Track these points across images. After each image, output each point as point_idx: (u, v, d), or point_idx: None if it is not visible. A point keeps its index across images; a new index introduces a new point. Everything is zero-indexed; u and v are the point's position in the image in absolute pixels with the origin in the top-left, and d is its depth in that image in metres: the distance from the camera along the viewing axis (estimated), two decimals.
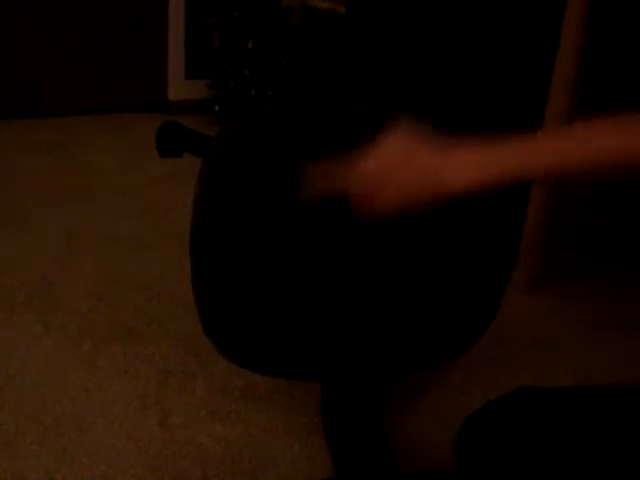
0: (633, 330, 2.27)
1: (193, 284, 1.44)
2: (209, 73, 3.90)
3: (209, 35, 4.00)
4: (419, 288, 1.29)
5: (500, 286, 1.42)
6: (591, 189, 2.49)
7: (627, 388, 0.99)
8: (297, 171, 1.24)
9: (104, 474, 1.57)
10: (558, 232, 2.48)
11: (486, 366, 2.03)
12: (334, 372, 1.42)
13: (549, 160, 0.88)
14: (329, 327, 1.30)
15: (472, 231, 1.29)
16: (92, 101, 3.96)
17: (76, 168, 3.25)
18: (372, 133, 1.29)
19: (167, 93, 4.07)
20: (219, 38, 3.82)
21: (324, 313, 1.28)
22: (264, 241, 1.26)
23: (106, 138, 3.66)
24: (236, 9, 3.69)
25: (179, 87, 4.08)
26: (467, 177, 0.91)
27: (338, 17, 3.67)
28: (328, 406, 1.72)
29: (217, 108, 3.81)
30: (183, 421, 1.74)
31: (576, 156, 0.86)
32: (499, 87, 2.49)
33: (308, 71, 3.92)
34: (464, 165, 0.91)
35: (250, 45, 3.65)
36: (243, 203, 1.27)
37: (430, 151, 0.95)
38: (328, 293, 1.27)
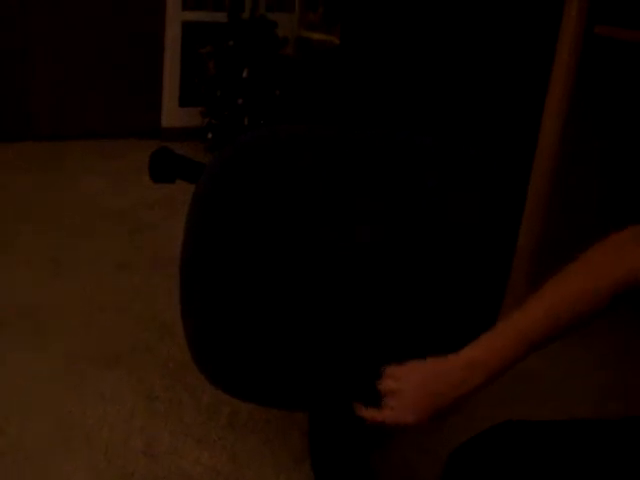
0: (624, 361, 2.28)
1: (182, 311, 1.44)
2: (203, 101, 3.93)
3: (204, 63, 4.03)
4: (409, 317, 1.29)
5: (491, 317, 1.42)
6: (587, 205, 2.50)
7: (611, 422, 1.00)
8: (289, 199, 1.25)
9: None
10: (556, 255, 2.48)
11: (475, 398, 2.02)
12: (321, 402, 1.42)
13: (544, 326, 1.01)
14: (316, 357, 1.30)
15: (462, 259, 1.30)
16: (86, 126, 3.97)
17: (68, 192, 3.25)
18: (367, 159, 1.31)
19: (161, 120, 4.09)
20: (214, 67, 3.85)
21: (312, 343, 1.29)
22: (253, 270, 1.26)
23: (99, 163, 3.67)
24: (231, 38, 3.73)
25: (173, 114, 4.10)
26: (479, 383, 1.04)
27: (332, 48, 3.71)
28: (315, 435, 1.71)
29: (210, 136, 3.83)
30: (168, 448, 1.72)
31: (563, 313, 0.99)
32: (491, 122, 2.52)
33: (301, 101, 3.95)
34: (475, 372, 1.04)
35: (245, 74, 3.68)
36: (234, 231, 1.28)
37: (442, 369, 1.06)
38: (316, 323, 1.27)
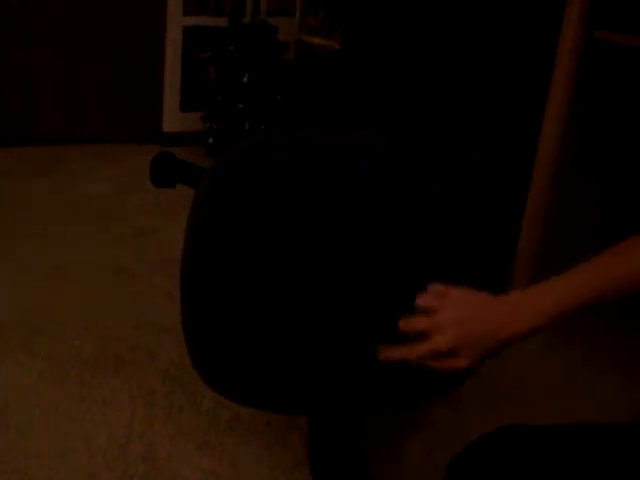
0: (626, 367, 2.27)
1: (182, 315, 1.44)
2: (204, 106, 3.93)
3: (205, 68, 4.04)
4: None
5: None
6: (588, 209, 2.50)
7: (612, 426, 0.99)
8: (289, 203, 1.25)
9: None
10: (555, 266, 2.48)
11: (476, 404, 2.02)
12: (321, 406, 1.41)
13: (601, 283, 1.00)
14: (317, 361, 1.30)
15: (462, 265, 1.30)
16: (87, 130, 3.97)
17: (68, 196, 3.25)
18: (368, 162, 1.31)
19: (162, 124, 4.09)
20: (215, 71, 3.85)
21: (312, 347, 1.28)
22: (254, 274, 1.26)
23: (100, 167, 3.67)
24: (232, 43, 3.73)
25: (174, 119, 4.10)
26: (531, 325, 1.00)
27: (333, 53, 3.72)
28: (315, 440, 1.71)
29: (211, 140, 3.83)
30: (168, 454, 1.72)
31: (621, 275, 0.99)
32: (492, 126, 2.52)
33: (302, 106, 3.96)
34: (527, 314, 1.01)
35: (246, 79, 3.69)
36: (235, 235, 1.28)
37: (493, 304, 1.05)
38: (317, 328, 1.27)
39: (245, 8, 4.04)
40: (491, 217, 1.34)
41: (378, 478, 1.70)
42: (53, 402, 1.86)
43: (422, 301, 1.08)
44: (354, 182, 1.28)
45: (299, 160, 1.31)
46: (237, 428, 1.83)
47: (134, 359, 2.07)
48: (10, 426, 1.75)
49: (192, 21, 3.95)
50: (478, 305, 1.05)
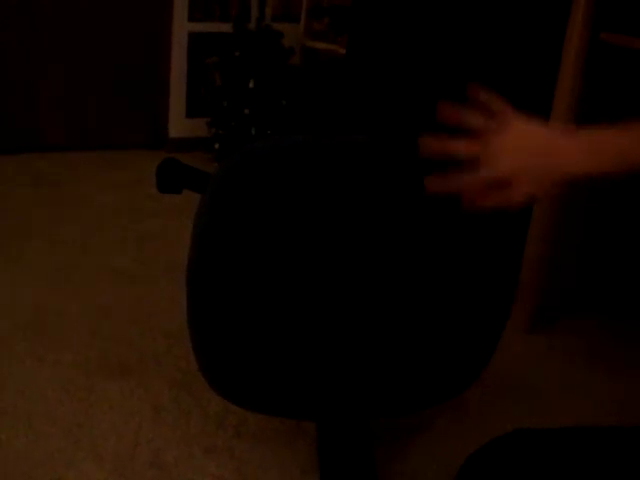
0: (632, 370, 2.26)
1: (189, 320, 1.44)
2: (210, 112, 3.94)
3: (210, 74, 4.05)
4: (416, 328, 1.29)
5: (498, 326, 1.42)
6: (591, 225, 2.50)
7: (623, 429, 0.99)
8: (295, 207, 1.25)
9: None
10: (558, 270, 2.48)
11: (482, 408, 2.01)
12: (329, 411, 1.41)
13: None
14: (324, 366, 1.30)
15: (469, 273, 1.30)
16: (93, 137, 3.99)
17: (74, 201, 3.26)
18: (371, 165, 1.31)
19: (168, 131, 4.10)
20: (220, 77, 3.86)
21: (319, 353, 1.28)
22: (260, 279, 1.26)
23: (106, 174, 3.68)
24: (237, 49, 3.74)
25: (180, 125, 4.11)
26: (584, 161, 0.93)
27: (338, 58, 3.72)
28: (323, 445, 1.71)
29: (217, 146, 3.84)
30: (176, 459, 1.72)
31: None
32: None
33: (308, 111, 3.96)
34: (581, 150, 0.94)
35: (251, 84, 3.69)
36: (241, 240, 1.28)
37: (550, 136, 0.96)
38: (324, 333, 1.26)
39: (250, 14, 4.05)
40: (498, 222, 1.34)
41: None
42: (60, 408, 1.86)
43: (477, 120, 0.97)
44: (358, 185, 1.28)
45: (303, 164, 1.31)
46: (244, 433, 1.82)
47: (141, 365, 2.07)
48: (19, 433, 1.75)
49: (197, 27, 3.96)
50: (541, 136, 0.96)
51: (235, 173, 1.34)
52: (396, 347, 1.29)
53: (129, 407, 1.89)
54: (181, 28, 3.93)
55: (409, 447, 1.82)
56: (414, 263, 1.26)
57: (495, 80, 2.49)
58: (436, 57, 2.68)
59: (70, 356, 2.09)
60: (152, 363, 2.09)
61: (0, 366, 2.01)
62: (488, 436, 1.03)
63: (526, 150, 0.94)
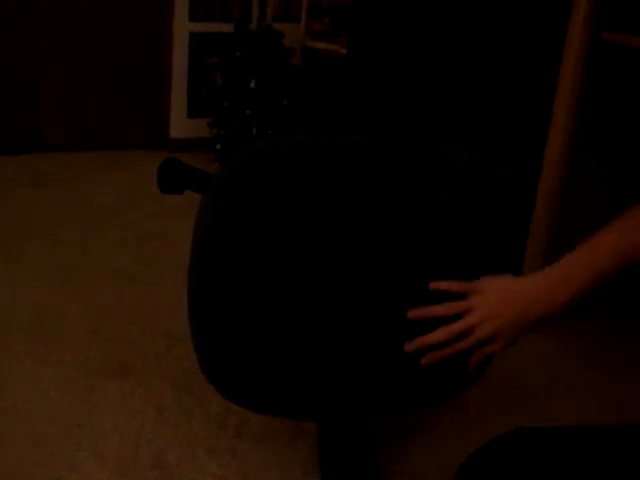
0: (633, 370, 2.26)
1: (190, 320, 1.44)
2: (211, 112, 3.94)
3: (211, 74, 4.05)
4: (417, 328, 1.29)
5: None
6: (593, 223, 2.50)
7: (623, 428, 0.99)
8: (296, 207, 1.25)
9: None
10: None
11: (484, 407, 2.01)
12: (330, 411, 1.41)
13: (614, 257, 1.05)
14: (325, 367, 1.30)
15: (470, 270, 1.30)
16: (95, 137, 3.99)
17: (75, 202, 3.26)
18: (372, 165, 1.31)
19: (169, 131, 4.11)
20: (221, 77, 3.87)
21: (320, 353, 1.28)
22: (262, 279, 1.26)
23: (107, 174, 3.69)
24: (238, 49, 3.74)
25: (181, 125, 4.11)
26: (563, 303, 1.08)
27: (339, 58, 3.72)
28: (324, 445, 1.71)
29: (218, 146, 3.84)
30: (178, 459, 1.72)
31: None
32: (499, 129, 2.52)
33: (309, 111, 3.96)
34: (558, 295, 1.09)
35: (252, 84, 3.70)
36: (242, 240, 1.28)
37: (528, 286, 1.12)
38: (325, 332, 1.26)
39: (251, 14, 4.05)
40: (499, 220, 1.34)
41: None
42: (62, 409, 1.86)
43: (456, 287, 1.17)
44: (359, 185, 1.28)
45: (304, 164, 1.31)
46: (246, 433, 1.82)
47: (142, 365, 2.07)
48: (20, 434, 1.76)
49: (198, 27, 3.96)
50: (514, 291, 1.12)
51: (236, 173, 1.34)
52: (397, 347, 1.29)
53: (130, 407, 1.89)
54: (182, 28, 3.93)
55: (409, 447, 1.82)
56: (414, 264, 1.26)
57: (496, 82, 2.49)
58: (437, 56, 2.68)
59: (71, 356, 2.09)
60: (153, 363, 2.09)
61: (0, 366, 2.01)
62: (488, 436, 1.03)
63: (503, 313, 1.12)
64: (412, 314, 1.19)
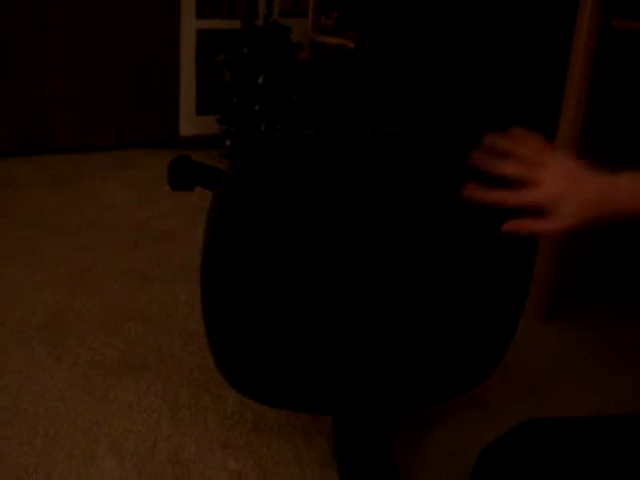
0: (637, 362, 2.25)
1: (204, 317, 1.44)
2: (220, 109, 3.95)
3: (219, 71, 4.05)
4: (431, 321, 1.29)
5: (513, 319, 1.41)
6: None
7: (638, 418, 0.98)
8: (308, 202, 1.25)
9: None
10: (573, 260, 2.47)
11: (498, 399, 2.01)
12: (346, 406, 1.41)
13: None
14: (340, 361, 1.30)
15: (484, 263, 1.29)
16: (104, 137, 4.01)
17: (88, 202, 3.28)
18: (383, 160, 1.31)
19: (178, 129, 4.12)
20: (229, 74, 3.87)
21: (336, 347, 1.28)
22: (275, 274, 1.26)
23: (118, 173, 3.70)
24: (246, 45, 3.74)
25: (190, 123, 4.12)
26: (634, 199, 0.96)
27: (347, 52, 3.71)
28: (340, 439, 1.71)
29: (228, 143, 3.85)
30: (195, 455, 1.73)
31: None
32: (510, 118, 2.50)
33: (317, 106, 3.96)
34: (630, 188, 0.96)
35: (261, 80, 3.70)
36: (254, 236, 1.28)
37: (593, 177, 0.98)
38: (340, 327, 1.27)
39: (258, 10, 4.05)
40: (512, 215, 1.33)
41: (402, 473, 1.69)
42: (80, 407, 1.87)
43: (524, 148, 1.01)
44: (371, 179, 1.28)
45: (315, 159, 1.31)
46: (262, 429, 1.83)
47: (158, 363, 2.08)
48: (38, 432, 1.77)
49: (205, 24, 3.96)
50: (585, 171, 1.00)
51: (247, 169, 1.35)
52: (412, 340, 1.29)
53: (147, 405, 1.90)
54: (189, 26, 3.94)
55: (426, 440, 1.82)
56: (429, 257, 1.26)
57: (505, 73, 2.48)
58: (445, 49, 2.67)
59: (87, 355, 2.10)
60: (169, 361, 2.10)
61: (19, 367, 2.03)
62: (505, 427, 1.03)
63: (571, 178, 0.98)
64: (467, 195, 1.03)
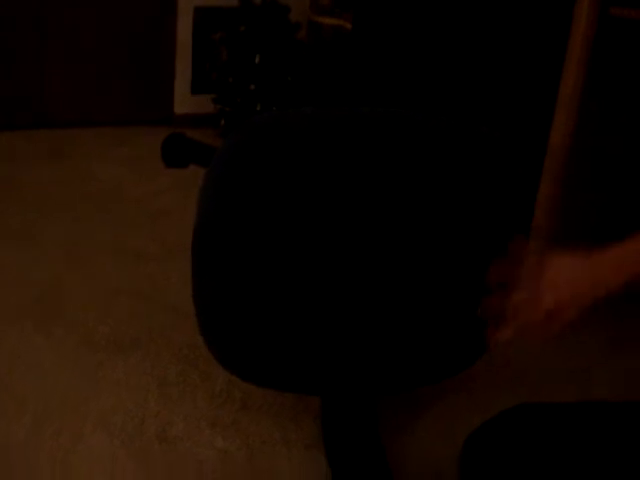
0: (634, 346, 2.26)
1: (194, 295, 1.44)
2: (215, 88, 3.92)
3: (216, 50, 4.02)
4: (421, 304, 1.29)
5: None
6: (603, 211, 2.49)
7: (625, 404, 0.99)
8: (301, 179, 1.24)
9: None
10: (567, 244, 2.47)
11: (487, 384, 2.02)
12: (333, 386, 1.42)
13: None
14: (329, 341, 1.30)
15: (475, 248, 1.29)
16: (99, 113, 3.98)
17: (81, 179, 3.26)
18: (375, 137, 1.30)
19: (173, 107, 4.09)
20: (226, 53, 3.84)
21: (324, 327, 1.28)
22: (265, 252, 1.26)
23: (112, 150, 3.68)
24: (243, 24, 3.71)
25: (185, 101, 4.10)
26: (626, 276, 1.02)
27: (344, 33, 3.69)
28: (328, 419, 1.72)
29: (223, 122, 3.83)
30: (182, 433, 1.73)
31: None
32: (504, 102, 2.50)
33: (314, 86, 3.94)
34: (618, 268, 1.03)
35: (257, 60, 3.67)
36: (245, 212, 1.27)
37: (584, 265, 1.06)
38: (330, 307, 1.27)
39: None
40: (509, 191, 1.33)
41: (390, 455, 1.70)
42: (69, 384, 1.87)
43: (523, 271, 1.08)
44: (365, 157, 1.28)
45: (310, 135, 1.30)
46: (250, 408, 1.83)
47: (148, 341, 2.08)
48: (27, 409, 1.77)
49: (203, 1, 3.93)
50: (577, 266, 1.07)
51: (242, 144, 1.34)
52: (401, 323, 1.29)
53: (136, 382, 1.90)
54: (187, 2, 3.90)
55: (414, 422, 1.83)
56: (420, 238, 1.25)
57: (503, 56, 2.47)
58: (442, 32, 2.65)
59: (78, 332, 2.10)
60: (160, 339, 2.10)
61: (9, 342, 2.03)
62: (492, 411, 1.03)
63: (568, 283, 1.05)
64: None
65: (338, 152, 1.28)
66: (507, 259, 1.09)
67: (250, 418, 1.80)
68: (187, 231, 2.77)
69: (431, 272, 1.27)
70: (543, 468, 0.92)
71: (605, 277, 1.03)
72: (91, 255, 2.57)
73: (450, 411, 1.88)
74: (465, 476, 1.00)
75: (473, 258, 1.30)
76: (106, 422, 1.74)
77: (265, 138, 1.32)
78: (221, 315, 1.35)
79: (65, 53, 3.79)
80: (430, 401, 1.92)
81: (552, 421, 0.97)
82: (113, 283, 2.39)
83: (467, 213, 1.28)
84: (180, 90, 4.06)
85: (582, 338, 2.30)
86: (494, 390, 1.98)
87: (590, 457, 0.92)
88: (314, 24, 4.06)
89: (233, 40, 3.75)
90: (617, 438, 0.94)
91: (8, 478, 1.56)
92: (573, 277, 1.05)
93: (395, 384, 1.43)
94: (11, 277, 2.37)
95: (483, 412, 1.86)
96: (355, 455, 1.63)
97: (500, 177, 1.33)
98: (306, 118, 1.35)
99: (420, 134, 1.33)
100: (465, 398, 1.94)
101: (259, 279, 1.27)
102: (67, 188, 3.14)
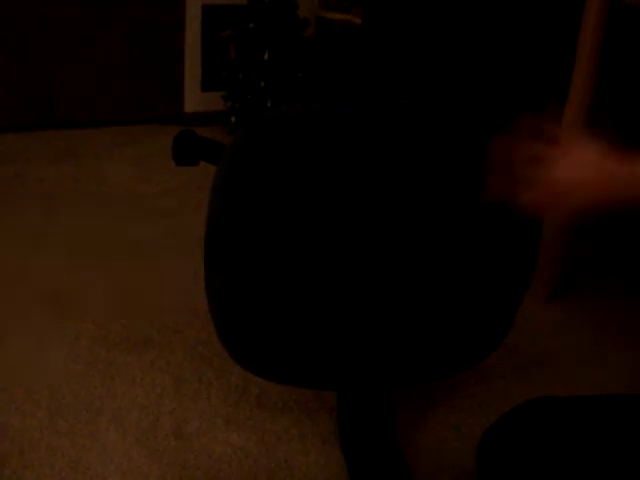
0: None
1: (207, 292, 1.44)
2: (225, 85, 3.92)
3: (225, 47, 4.02)
4: (436, 297, 1.28)
5: (517, 296, 1.40)
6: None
7: None
8: (310, 176, 1.24)
9: None
10: (577, 242, 2.45)
11: (502, 376, 2.00)
12: (349, 381, 1.41)
13: None
14: (344, 336, 1.29)
15: (490, 240, 1.28)
16: (109, 113, 3.99)
17: (92, 178, 3.27)
18: (386, 134, 1.29)
19: (183, 105, 4.09)
20: (235, 50, 3.84)
21: (339, 322, 1.28)
22: (278, 249, 1.25)
23: (122, 149, 3.69)
24: (252, 21, 3.71)
25: (195, 99, 4.10)
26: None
27: (353, 28, 3.68)
28: (344, 415, 1.71)
29: (233, 119, 3.83)
30: (198, 430, 1.73)
31: None
32: (519, 94, 2.48)
33: (323, 82, 3.93)
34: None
35: (266, 56, 3.67)
36: (257, 210, 1.27)
37: (612, 159, 0.98)
38: (344, 301, 1.26)
39: None
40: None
41: (406, 449, 1.70)
42: (83, 382, 1.88)
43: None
44: (375, 154, 1.27)
45: (320, 130, 1.30)
46: (266, 404, 1.83)
47: (162, 338, 2.09)
48: (41, 406, 1.77)
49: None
50: (597, 161, 0.99)
51: (253, 139, 1.33)
52: (416, 316, 1.28)
53: (150, 379, 1.90)
54: (195, 1, 3.90)
55: (430, 417, 1.82)
56: (432, 232, 1.25)
57: (513, 48, 2.45)
58: (453, 26, 2.64)
59: (92, 330, 2.10)
60: (173, 336, 2.10)
61: (23, 341, 2.03)
62: (508, 404, 1.03)
63: (588, 165, 0.98)
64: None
65: (347, 148, 1.27)
66: (513, 135, 1.02)
67: (266, 415, 1.80)
68: (199, 229, 2.78)
69: (445, 264, 1.26)
70: (562, 462, 0.91)
71: (621, 186, 0.96)
72: (102, 253, 2.57)
73: (465, 403, 1.87)
74: (483, 470, 0.99)
75: (487, 250, 1.29)
76: (120, 419, 1.74)
77: (277, 132, 1.31)
78: (234, 310, 1.35)
79: (73, 52, 3.80)
80: (445, 394, 1.91)
81: (571, 415, 0.96)
82: (126, 281, 2.39)
83: (481, 208, 1.27)
84: (190, 88, 4.06)
85: (598, 328, 2.28)
86: (509, 382, 1.97)
87: (609, 452, 0.91)
88: (323, 20, 4.05)
89: (242, 37, 3.75)
90: (635, 432, 0.93)
91: (22, 475, 1.56)
92: (592, 168, 0.98)
93: (410, 377, 1.42)
94: (22, 275, 2.38)
95: (499, 405, 1.86)
96: (372, 450, 1.62)
97: None
98: (317, 113, 1.34)
99: (430, 129, 1.32)
100: (480, 390, 1.92)
101: (272, 272, 1.27)
102: (76, 188, 3.15)
